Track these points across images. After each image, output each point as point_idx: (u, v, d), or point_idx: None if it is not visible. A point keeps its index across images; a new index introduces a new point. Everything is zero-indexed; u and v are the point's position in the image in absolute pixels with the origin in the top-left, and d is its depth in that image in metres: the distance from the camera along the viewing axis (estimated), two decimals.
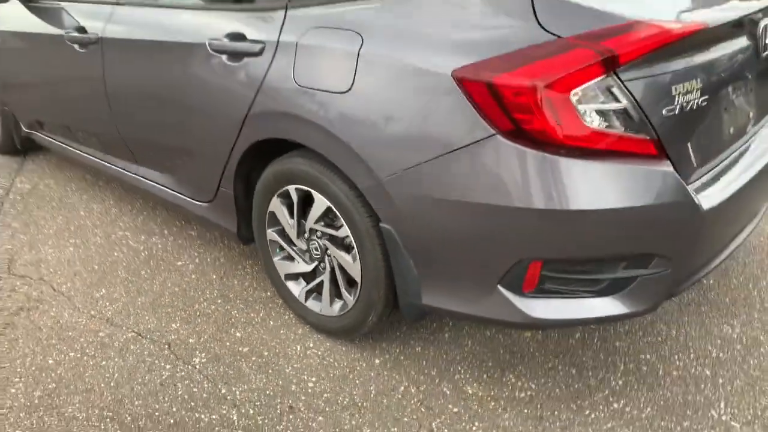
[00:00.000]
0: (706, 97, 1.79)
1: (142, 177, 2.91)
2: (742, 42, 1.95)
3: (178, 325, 2.42)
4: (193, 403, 2.04)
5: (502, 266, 1.79)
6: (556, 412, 2.01)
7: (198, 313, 2.48)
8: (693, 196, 1.74)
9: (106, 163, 3.12)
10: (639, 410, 2.02)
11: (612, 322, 2.41)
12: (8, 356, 2.26)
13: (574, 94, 1.62)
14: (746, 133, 2.11)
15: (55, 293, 2.63)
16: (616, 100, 1.65)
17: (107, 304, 2.55)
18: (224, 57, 2.22)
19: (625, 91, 1.64)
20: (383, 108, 1.83)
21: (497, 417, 1.99)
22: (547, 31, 1.65)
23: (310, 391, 2.09)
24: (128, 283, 2.69)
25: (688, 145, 1.80)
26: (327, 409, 2.02)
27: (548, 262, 1.78)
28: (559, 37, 1.63)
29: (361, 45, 1.87)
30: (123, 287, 2.66)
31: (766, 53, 2.02)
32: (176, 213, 3.16)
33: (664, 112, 1.69)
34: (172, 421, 1.98)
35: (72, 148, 3.36)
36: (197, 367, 2.20)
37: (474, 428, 1.95)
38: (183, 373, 2.17)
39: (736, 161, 2.05)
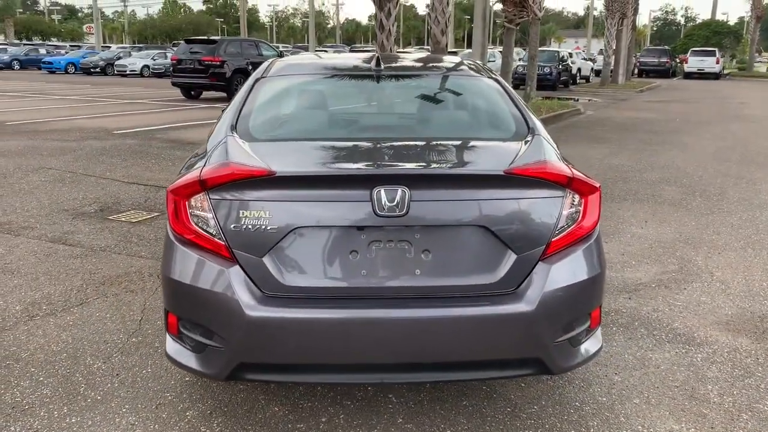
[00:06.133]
0: (276, 227, 2.28)
1: None
2: (354, 196, 2.29)
3: None
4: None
5: (165, 313, 2.62)
6: None
7: None
8: (239, 299, 2.28)
9: None
10: None
11: (201, 376, 2.82)
12: None
13: (189, 204, 2.43)
14: (384, 280, 2.35)
15: None
16: (204, 211, 2.38)
17: None
18: None
19: (210, 206, 2.37)
20: None
21: None
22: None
23: None
24: None
25: (270, 261, 2.31)
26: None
27: (178, 318, 2.53)
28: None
29: None
30: None
31: (383, 213, 2.26)
32: None
33: (231, 227, 2.32)
34: None
35: None
36: None
37: None
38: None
39: (369, 304, 2.32)
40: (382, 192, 2.28)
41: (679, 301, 4.14)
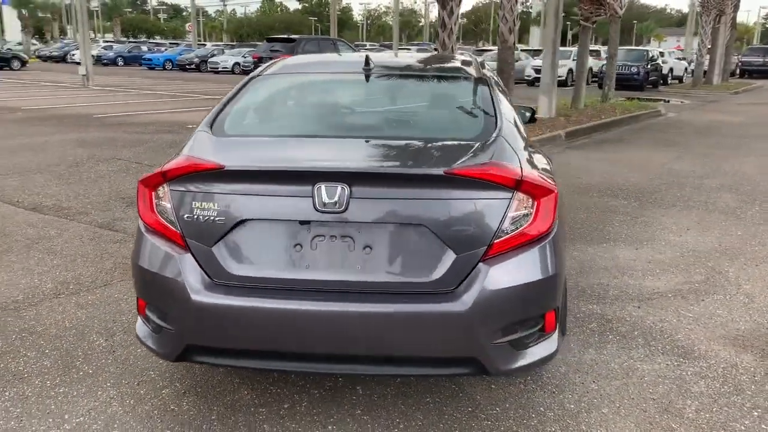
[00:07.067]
0: (224, 219, 2.41)
1: None
2: (297, 192, 2.37)
3: None
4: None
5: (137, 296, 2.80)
6: None
7: None
8: (186, 285, 2.42)
9: None
10: None
11: (156, 355, 2.73)
12: None
13: (156, 195, 2.59)
14: (334, 271, 2.42)
15: None
16: (166, 201, 2.54)
17: None
18: None
19: (170, 197, 2.52)
20: None
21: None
22: None
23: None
24: None
25: (218, 251, 2.44)
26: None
27: (145, 302, 2.70)
28: None
29: None
30: None
31: (323, 209, 2.33)
32: None
33: (185, 216, 2.47)
34: None
35: None
36: None
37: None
38: None
39: (310, 296, 2.40)
40: (323, 188, 2.35)
41: (691, 313, 3.96)
